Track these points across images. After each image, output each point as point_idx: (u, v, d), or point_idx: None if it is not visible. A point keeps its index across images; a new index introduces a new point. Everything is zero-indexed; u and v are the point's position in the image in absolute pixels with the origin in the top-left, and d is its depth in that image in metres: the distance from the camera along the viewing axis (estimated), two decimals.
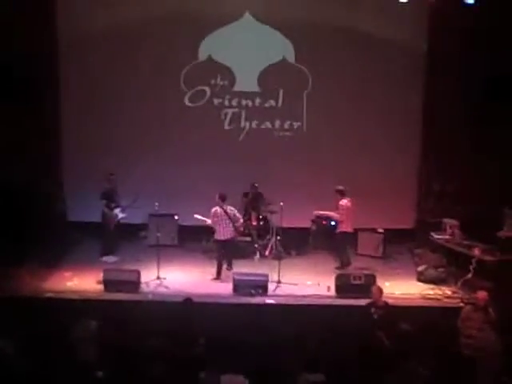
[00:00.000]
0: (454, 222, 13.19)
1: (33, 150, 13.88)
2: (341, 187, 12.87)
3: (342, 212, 12.74)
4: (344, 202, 12.76)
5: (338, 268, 12.83)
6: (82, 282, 12.10)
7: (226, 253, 12.62)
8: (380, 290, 10.07)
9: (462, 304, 10.89)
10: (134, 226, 13.95)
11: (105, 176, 13.18)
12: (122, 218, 13.36)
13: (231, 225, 12.43)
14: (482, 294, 9.57)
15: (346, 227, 12.84)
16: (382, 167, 14.44)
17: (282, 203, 12.45)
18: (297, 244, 13.99)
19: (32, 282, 11.87)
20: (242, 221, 12.73)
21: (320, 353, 8.54)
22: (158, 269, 12.15)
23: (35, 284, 11.86)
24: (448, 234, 13.08)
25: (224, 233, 12.42)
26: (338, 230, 12.94)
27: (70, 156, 14.46)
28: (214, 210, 12.36)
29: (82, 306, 10.85)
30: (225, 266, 12.64)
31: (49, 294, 11.53)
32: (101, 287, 11.76)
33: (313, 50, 14.37)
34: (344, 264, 12.91)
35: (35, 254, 12.66)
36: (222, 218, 12.36)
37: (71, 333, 8.79)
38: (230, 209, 12.46)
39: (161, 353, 8.52)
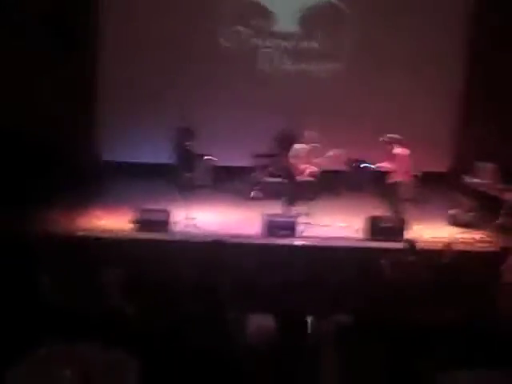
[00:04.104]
0: (487, 165, 13.01)
1: (67, 89, 13.90)
2: (394, 135, 12.13)
3: (400, 162, 12.03)
4: (400, 150, 12.08)
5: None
6: (114, 221, 12.22)
7: None
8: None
9: (492, 248, 10.80)
10: (166, 165, 13.99)
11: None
12: None
13: None
14: None
15: (404, 176, 12.23)
16: (417, 109, 14.24)
17: (317, 144, 12.39)
18: (329, 186, 13.95)
19: (65, 221, 12.02)
20: None
21: (349, 295, 8.55)
22: (189, 209, 12.20)
23: (68, 222, 12.01)
24: (481, 177, 12.93)
25: None
26: (390, 180, 12.24)
27: (106, 97, 14.49)
28: None
29: (113, 244, 11.00)
30: None
31: (81, 233, 11.71)
32: (132, 226, 11.87)
33: None
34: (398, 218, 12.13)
35: (68, 192, 12.78)
36: None
37: (101, 275, 8.87)
38: None
39: (189, 292, 8.58)
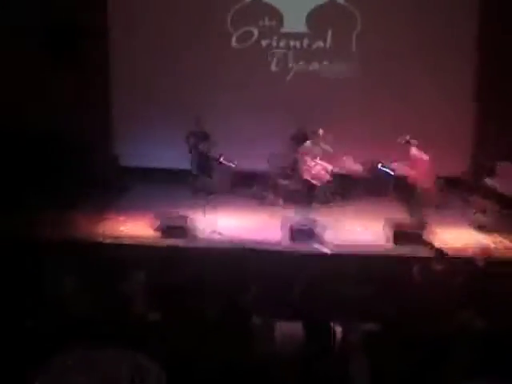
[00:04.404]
0: (508, 166, 12.93)
1: (83, 97, 14.00)
2: (409, 138, 12.03)
3: (420, 165, 11.96)
4: (418, 152, 12.01)
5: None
6: (135, 226, 12.26)
7: None
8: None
9: None
10: (183, 171, 13.98)
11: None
12: None
13: None
14: None
15: (424, 182, 12.13)
16: (434, 112, 14.12)
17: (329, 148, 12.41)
18: (347, 190, 13.91)
19: (87, 226, 12.09)
20: None
21: (372, 302, 8.51)
22: (210, 214, 12.19)
23: (90, 228, 12.07)
24: (503, 180, 12.84)
25: None
26: (412, 184, 12.18)
27: (122, 104, 14.56)
28: None
29: (135, 250, 11.02)
30: None
31: (102, 239, 11.74)
32: (153, 232, 11.89)
33: None
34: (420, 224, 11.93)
35: (89, 199, 12.82)
36: None
37: (124, 282, 8.88)
38: None
39: (213, 298, 8.57)
